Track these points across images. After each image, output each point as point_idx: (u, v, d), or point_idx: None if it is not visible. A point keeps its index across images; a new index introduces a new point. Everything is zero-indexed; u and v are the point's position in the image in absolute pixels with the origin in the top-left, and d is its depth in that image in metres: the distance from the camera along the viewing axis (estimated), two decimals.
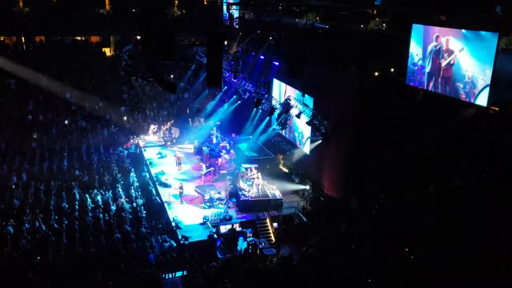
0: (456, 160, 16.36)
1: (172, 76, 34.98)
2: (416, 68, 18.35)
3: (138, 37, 32.73)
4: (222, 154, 27.20)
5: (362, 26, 24.55)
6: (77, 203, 21.64)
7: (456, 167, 16.39)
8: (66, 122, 31.52)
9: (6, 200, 21.35)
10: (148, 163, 28.17)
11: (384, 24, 25.23)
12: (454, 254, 14.56)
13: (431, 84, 17.67)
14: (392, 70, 20.67)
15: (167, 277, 17.82)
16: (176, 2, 41.71)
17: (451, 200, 16.02)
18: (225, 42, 28.32)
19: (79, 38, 41.17)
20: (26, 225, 19.42)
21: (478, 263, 13.73)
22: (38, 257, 17.46)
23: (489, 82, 15.40)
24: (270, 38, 26.17)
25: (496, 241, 13.97)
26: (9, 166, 25.18)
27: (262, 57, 27.21)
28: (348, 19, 25.81)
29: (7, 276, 16.15)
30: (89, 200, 21.94)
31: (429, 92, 17.89)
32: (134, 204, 22.13)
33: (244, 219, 21.91)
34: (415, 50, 18.19)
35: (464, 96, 16.38)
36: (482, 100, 15.72)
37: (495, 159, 15.49)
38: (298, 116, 22.78)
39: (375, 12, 26.78)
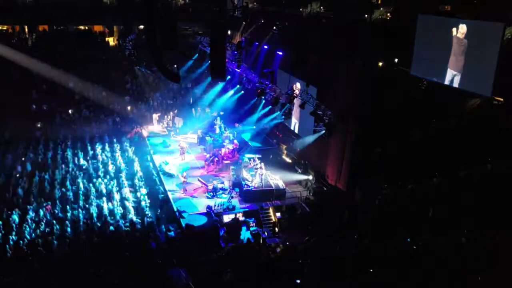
0: (460, 150, 16.33)
1: (175, 65, 34.91)
2: None
3: (142, 27, 32.66)
4: (225, 144, 27.24)
5: (366, 15, 24.41)
6: (81, 192, 21.77)
7: (460, 157, 16.37)
8: (70, 111, 31.58)
9: (11, 189, 21.49)
10: (151, 152, 28.24)
11: (388, 14, 25.08)
12: (457, 245, 14.58)
13: None
14: (396, 60, 20.57)
15: (170, 266, 17.96)
16: None
17: (454, 191, 16.02)
18: (229, 32, 28.25)
19: (82, 27, 41.08)
20: (31, 213, 19.57)
21: (481, 254, 13.76)
22: (43, 246, 17.60)
23: None
24: (274, 27, 26.05)
25: (500, 231, 13.99)
26: (14, 155, 25.29)
27: (265, 46, 27.10)
28: (353, 9, 25.64)
29: (12, 264, 16.31)
30: (93, 189, 22.06)
31: (433, 83, 17.82)
32: (138, 194, 22.23)
33: (247, 209, 22.00)
34: None
35: None
36: None
37: (499, 149, 15.45)
38: (302, 106, 22.75)
39: (379, 1, 26.60)
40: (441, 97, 17.54)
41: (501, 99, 16.14)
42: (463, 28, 16.07)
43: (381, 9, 25.62)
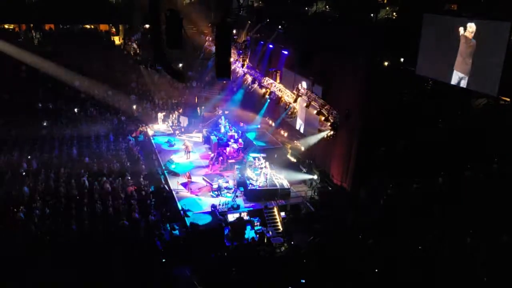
0: (466, 150, 16.26)
1: (180, 65, 34.97)
2: None
3: (147, 26, 32.76)
4: (230, 143, 27.24)
5: (372, 15, 24.32)
6: (86, 190, 21.84)
7: (465, 157, 16.30)
8: (75, 110, 31.70)
9: (17, 187, 21.59)
10: (156, 151, 28.31)
11: (394, 13, 24.98)
12: (462, 245, 14.53)
13: None
14: (402, 60, 20.49)
15: (175, 265, 18.00)
16: None
17: (460, 191, 15.96)
18: (234, 31, 28.23)
19: (88, 26, 41.26)
20: (37, 211, 19.65)
21: (487, 254, 13.71)
22: (48, 244, 17.67)
23: None
24: (279, 27, 26.01)
25: (506, 231, 13.93)
26: (20, 153, 25.42)
27: (271, 46, 27.07)
28: (358, 8, 25.55)
29: (18, 261, 16.38)
30: (98, 187, 22.12)
31: (438, 82, 17.72)
32: (143, 192, 22.28)
33: (251, 208, 22.00)
34: None
35: None
36: None
37: (505, 149, 15.38)
38: (307, 106, 22.71)
39: (385, 1, 26.51)
40: (447, 96, 17.47)
41: (508, 99, 16.04)
42: (471, 27, 15.93)
43: (387, 8, 25.54)
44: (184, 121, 32.49)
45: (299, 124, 26.81)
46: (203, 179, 24.41)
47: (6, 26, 38.87)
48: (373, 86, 20.07)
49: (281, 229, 21.32)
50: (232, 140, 27.54)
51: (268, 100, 26.99)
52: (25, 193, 21.17)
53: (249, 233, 20.53)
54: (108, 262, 16.45)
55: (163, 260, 17.39)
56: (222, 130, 29.31)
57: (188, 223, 20.38)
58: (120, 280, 15.50)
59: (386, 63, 20.66)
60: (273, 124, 29.99)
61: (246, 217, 21.23)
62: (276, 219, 21.76)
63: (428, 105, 17.88)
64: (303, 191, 23.59)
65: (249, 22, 28.24)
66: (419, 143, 17.87)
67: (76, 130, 29.43)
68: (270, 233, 20.48)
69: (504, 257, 13.43)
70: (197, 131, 31.46)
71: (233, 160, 26.06)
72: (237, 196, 22.46)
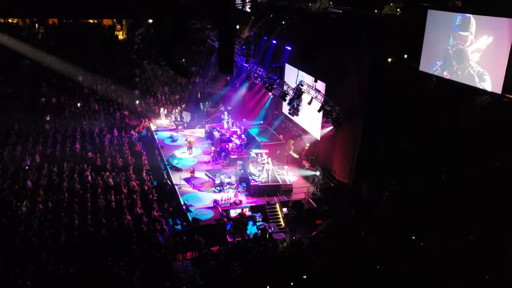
0: (469, 147, 16.21)
1: (183, 60, 34.93)
2: None
3: (151, 21, 32.65)
4: (232, 139, 27.26)
5: (376, 11, 24.19)
6: (89, 185, 21.90)
7: (468, 154, 16.25)
8: (78, 104, 31.76)
9: (20, 181, 21.67)
10: (159, 146, 28.35)
11: (398, 9, 24.84)
12: (464, 243, 14.53)
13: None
14: (405, 56, 20.40)
15: (177, 259, 18.08)
16: None
17: (462, 188, 15.93)
18: (237, 26, 28.17)
19: (91, 21, 41.24)
20: (40, 206, 19.73)
21: (489, 253, 13.70)
22: (51, 238, 17.75)
23: None
24: (283, 22, 25.94)
25: (508, 230, 13.92)
26: (23, 148, 25.50)
27: (274, 41, 27.02)
28: (362, 4, 25.42)
29: (21, 256, 16.46)
30: (101, 182, 22.18)
31: (442, 79, 17.65)
32: (146, 187, 22.33)
33: (253, 204, 22.03)
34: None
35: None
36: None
37: (508, 147, 15.33)
38: (309, 102, 22.69)
39: None
40: (450, 93, 17.39)
41: (511, 96, 15.95)
42: (473, 24, 15.89)
43: (391, 4, 25.35)
44: (187, 116, 32.52)
45: (302, 120, 26.77)
46: (206, 174, 24.45)
47: (10, 20, 38.90)
48: (376, 82, 20.01)
49: (283, 225, 21.37)
50: (234, 136, 27.56)
51: (271, 96, 26.96)
52: (28, 187, 21.26)
53: (251, 229, 20.58)
54: (110, 257, 16.53)
55: (165, 255, 17.45)
56: (225, 125, 29.32)
57: (190, 218, 20.42)
58: (122, 274, 15.56)
59: (389, 60, 20.58)
60: (276, 120, 29.96)
61: (248, 213, 21.26)
62: (278, 215, 21.80)
63: (431, 102, 17.80)
64: (305, 187, 23.59)
65: (252, 17, 28.17)
66: (421, 140, 17.82)
67: (79, 124, 29.51)
68: (272, 228, 20.53)
69: (505, 255, 13.43)
70: (200, 127, 31.53)
71: (235, 156, 26.08)
72: (239, 192, 22.49)
